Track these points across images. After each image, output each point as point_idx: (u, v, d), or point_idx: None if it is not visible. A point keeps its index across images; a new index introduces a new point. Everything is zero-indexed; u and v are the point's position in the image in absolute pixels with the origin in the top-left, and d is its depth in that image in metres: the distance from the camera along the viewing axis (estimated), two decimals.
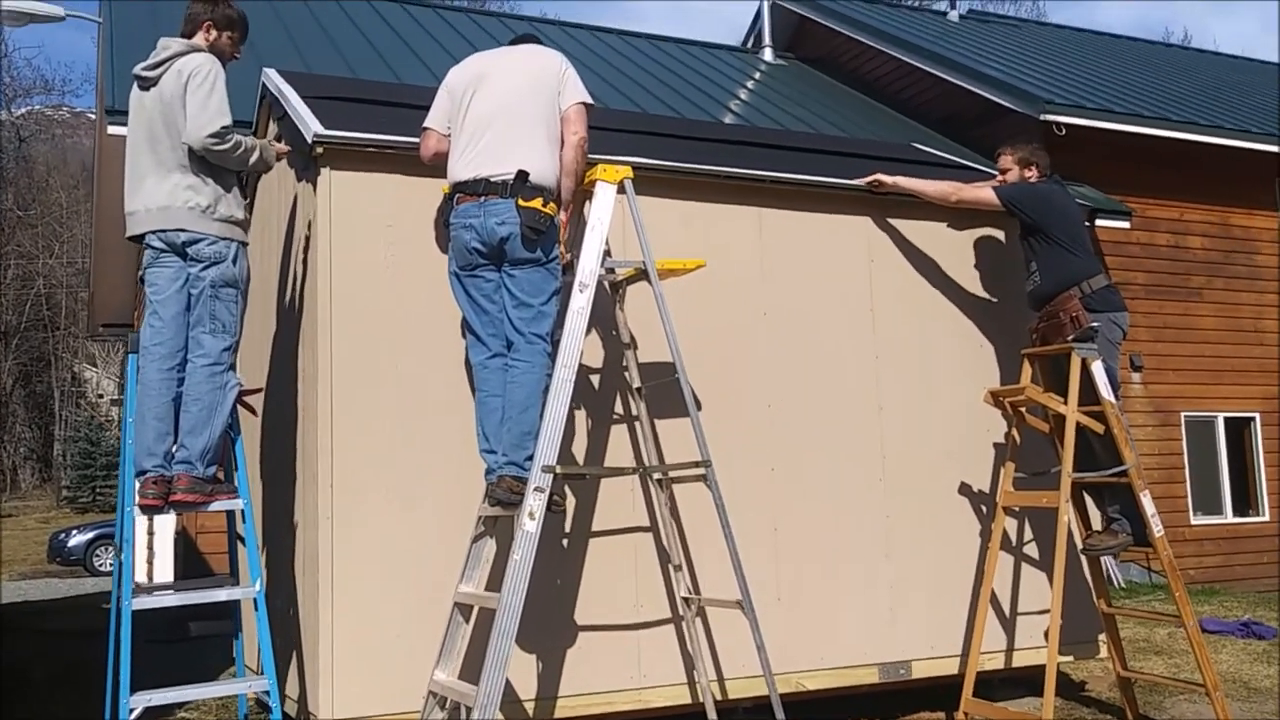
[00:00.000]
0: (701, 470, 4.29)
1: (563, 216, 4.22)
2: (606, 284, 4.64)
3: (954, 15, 16.49)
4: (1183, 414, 12.14)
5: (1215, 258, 12.57)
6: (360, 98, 5.26)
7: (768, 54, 15.69)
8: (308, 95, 4.88)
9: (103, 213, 11.26)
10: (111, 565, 19.61)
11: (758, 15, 16.14)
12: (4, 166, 39.93)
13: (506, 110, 4.13)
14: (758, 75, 15.04)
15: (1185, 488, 12.04)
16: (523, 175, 4.04)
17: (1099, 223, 11.57)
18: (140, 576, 10.49)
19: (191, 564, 8.49)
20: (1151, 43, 19.45)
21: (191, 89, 4.14)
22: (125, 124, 6.75)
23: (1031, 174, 5.31)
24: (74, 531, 20.35)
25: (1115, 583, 10.73)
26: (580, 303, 4.09)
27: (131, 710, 3.75)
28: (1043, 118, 11.35)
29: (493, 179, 4.06)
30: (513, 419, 3.96)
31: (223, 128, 4.15)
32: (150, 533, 10.41)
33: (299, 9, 12.77)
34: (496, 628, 3.75)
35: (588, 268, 4.13)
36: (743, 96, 13.89)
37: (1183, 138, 12.02)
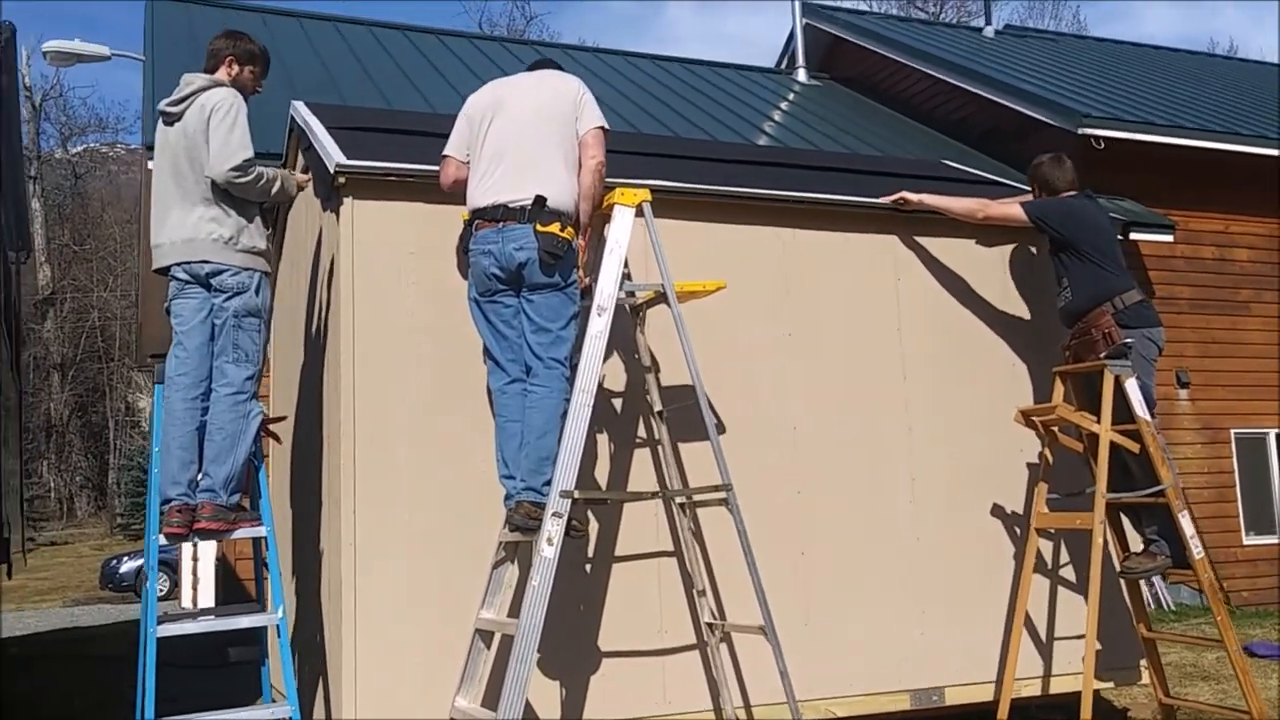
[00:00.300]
0: (722, 494, 4.25)
1: (581, 241, 4.22)
2: (627, 307, 4.64)
3: (990, 31, 16.39)
4: (1233, 431, 11.89)
5: (1263, 270, 12.33)
6: (385, 127, 5.30)
7: (801, 74, 15.69)
8: (332, 126, 4.93)
9: (150, 246, 11.46)
10: (162, 591, 19.92)
11: (791, 36, 16.15)
12: (60, 203, 40.88)
13: (523, 136, 4.15)
14: (792, 96, 15.03)
15: (1237, 506, 11.78)
16: (540, 201, 4.05)
17: (1142, 237, 11.43)
18: (186, 602, 10.66)
19: (230, 590, 8.58)
20: (1194, 53, 19.19)
21: (214, 124, 4.20)
22: None
23: (1036, 192, 5.26)
24: (125, 558, 20.62)
25: (1165, 605, 10.51)
26: (599, 326, 4.08)
27: None
28: (1080, 131, 11.23)
29: (511, 205, 4.08)
30: (530, 444, 3.96)
31: (245, 161, 4.21)
32: (195, 559, 10.56)
33: (334, 40, 12.97)
34: (515, 653, 3.74)
35: (606, 291, 4.12)
36: (777, 118, 13.88)
37: (1226, 149, 11.83)
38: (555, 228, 4.03)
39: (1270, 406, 12.10)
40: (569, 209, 4.12)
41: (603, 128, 4.24)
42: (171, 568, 16.74)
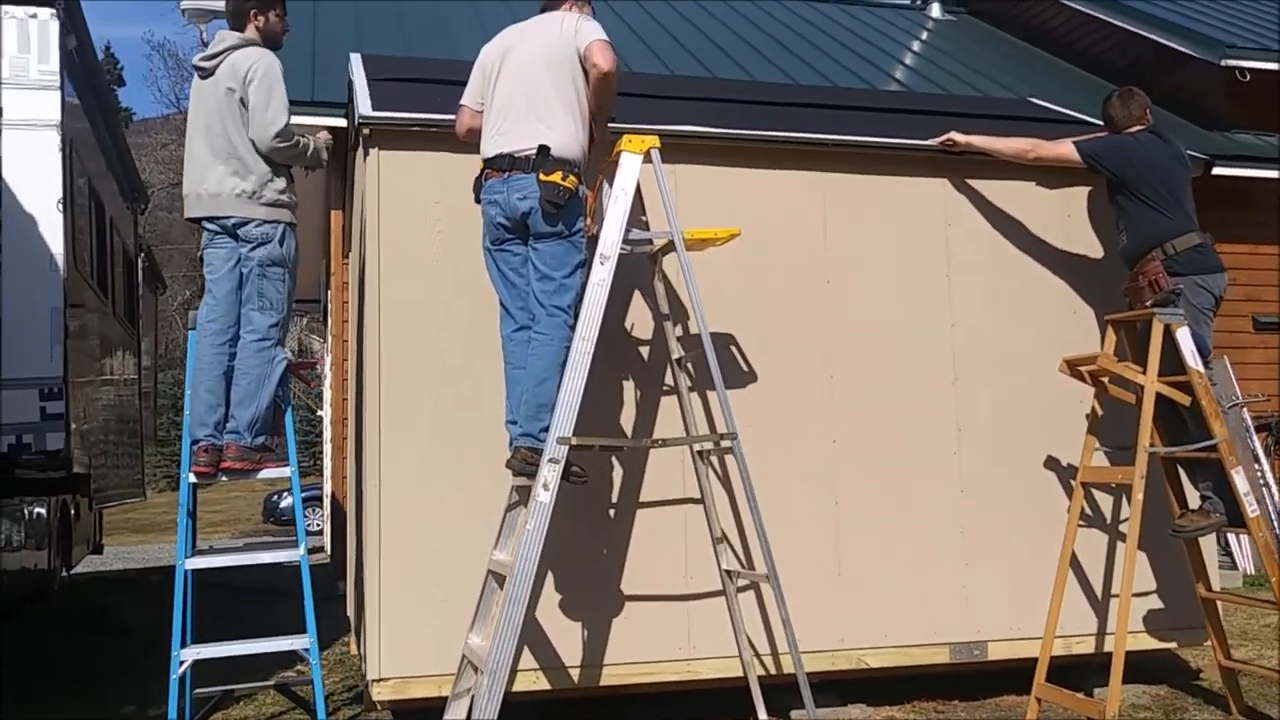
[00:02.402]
0: (727, 443, 4.23)
1: (593, 188, 4.19)
2: (648, 255, 4.63)
3: None
4: None
5: None
6: (426, 77, 5.39)
7: (935, 10, 15.11)
8: (374, 77, 5.06)
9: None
10: (317, 525, 21.04)
11: None
12: None
13: (527, 84, 4.16)
14: (924, 34, 14.50)
15: None
16: (544, 150, 4.07)
17: None
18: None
19: (338, 522, 9.02)
20: None
21: (253, 89, 4.38)
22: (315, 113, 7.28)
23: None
24: (285, 494, 21.85)
25: None
26: (601, 275, 4.09)
27: (181, 663, 4.04)
28: (1224, 63, 10.51)
29: (516, 155, 4.11)
30: (529, 391, 4.02)
31: (285, 126, 4.41)
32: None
33: None
34: (507, 594, 3.83)
35: (609, 240, 4.13)
36: (906, 59, 13.40)
37: None
38: (558, 176, 4.04)
39: None
40: (574, 157, 4.12)
41: (603, 39, 4.13)
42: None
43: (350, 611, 6.17)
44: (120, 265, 8.46)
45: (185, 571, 4.18)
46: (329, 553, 10.28)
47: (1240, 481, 4.45)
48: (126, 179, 8.86)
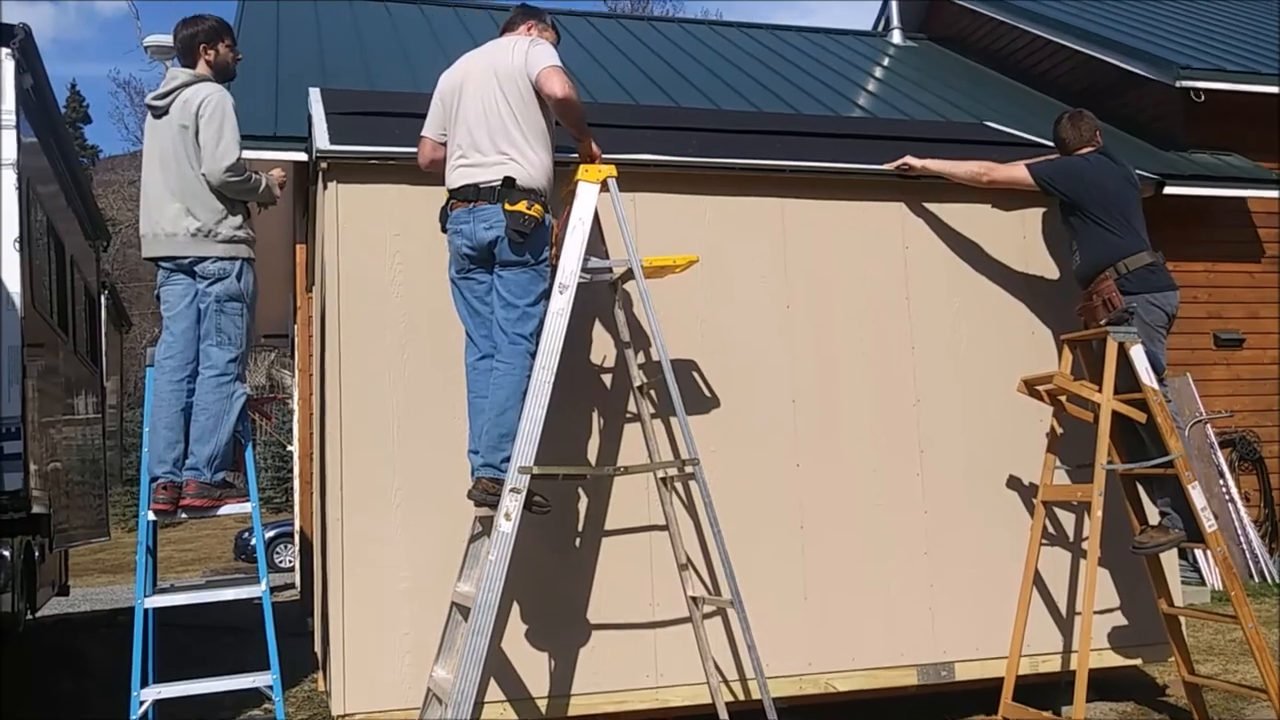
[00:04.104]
0: (689, 469, 4.24)
1: (595, 149, 4.25)
2: (609, 283, 4.65)
3: None
4: None
5: None
6: (385, 110, 5.41)
7: (896, 36, 15.26)
8: (333, 111, 5.07)
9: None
10: (290, 562, 20.82)
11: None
12: None
13: (486, 115, 4.17)
14: (886, 61, 14.64)
15: None
16: (510, 181, 4.09)
17: (1250, 194, 10.80)
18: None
19: (307, 558, 8.94)
20: None
21: (203, 124, 4.37)
22: (277, 148, 7.24)
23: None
24: None
25: (1269, 577, 9.96)
26: (560, 304, 4.10)
27: (141, 703, 4.00)
28: (1179, 84, 10.67)
29: (482, 186, 4.12)
30: (491, 421, 4.02)
31: (237, 160, 4.39)
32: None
33: (420, 22, 13.14)
34: (471, 626, 3.81)
35: (568, 269, 4.14)
36: (870, 86, 13.51)
37: None
38: (523, 206, 4.05)
39: None
40: (539, 186, 4.15)
41: (552, 65, 4.14)
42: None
43: (318, 647, 6.12)
44: (82, 303, 8.41)
45: (145, 610, 4.13)
46: (300, 589, 10.20)
47: (1197, 497, 4.50)
48: (88, 216, 8.81)
